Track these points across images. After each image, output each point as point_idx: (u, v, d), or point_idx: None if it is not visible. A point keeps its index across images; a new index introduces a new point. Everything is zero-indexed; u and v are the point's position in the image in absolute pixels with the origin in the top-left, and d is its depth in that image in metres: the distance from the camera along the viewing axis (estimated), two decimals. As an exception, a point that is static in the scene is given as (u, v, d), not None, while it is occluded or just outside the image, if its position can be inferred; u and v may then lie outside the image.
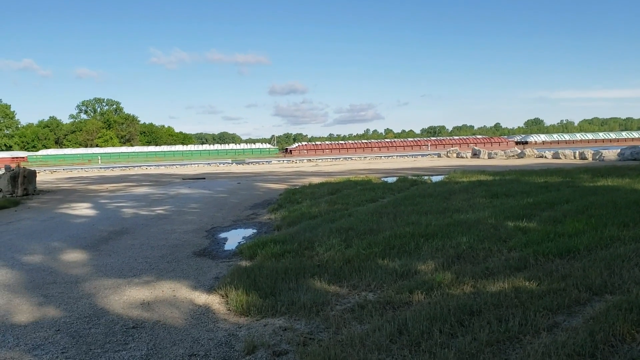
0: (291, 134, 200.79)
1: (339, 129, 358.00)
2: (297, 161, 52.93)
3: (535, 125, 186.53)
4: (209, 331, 4.73)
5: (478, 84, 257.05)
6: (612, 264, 5.81)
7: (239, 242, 8.81)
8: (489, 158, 41.47)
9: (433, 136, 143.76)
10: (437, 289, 5.19)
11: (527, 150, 42.33)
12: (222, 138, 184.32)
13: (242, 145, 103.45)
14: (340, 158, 59.44)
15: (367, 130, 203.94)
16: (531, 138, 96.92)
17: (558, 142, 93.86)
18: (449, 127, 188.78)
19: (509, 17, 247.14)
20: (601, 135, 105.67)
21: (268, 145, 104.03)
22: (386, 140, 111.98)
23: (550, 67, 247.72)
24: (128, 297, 5.94)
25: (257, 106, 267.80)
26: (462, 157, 45.17)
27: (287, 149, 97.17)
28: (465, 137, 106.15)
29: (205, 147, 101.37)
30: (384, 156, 61.76)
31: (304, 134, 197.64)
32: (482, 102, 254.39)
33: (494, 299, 4.75)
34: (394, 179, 20.86)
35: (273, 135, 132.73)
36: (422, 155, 57.43)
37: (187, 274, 6.91)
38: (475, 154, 44.61)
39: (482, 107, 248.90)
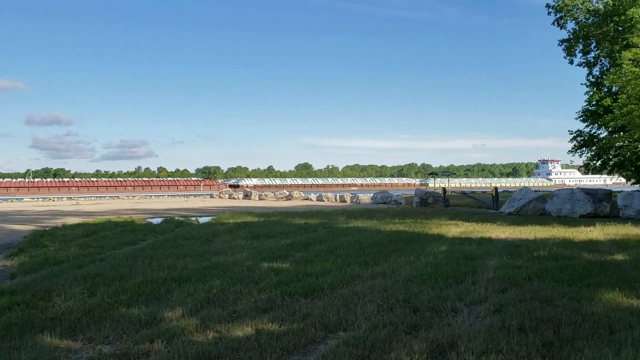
0: (51, 168, 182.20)
1: (108, 165, 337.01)
2: (55, 199, 47.91)
3: (304, 169, 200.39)
4: None
5: (253, 128, 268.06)
6: (349, 301, 6.30)
7: (-44, 295, 7.39)
8: (259, 199, 42.83)
9: (208, 177, 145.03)
10: (180, 337, 4.98)
11: (295, 193, 44.92)
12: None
13: None
14: (106, 197, 55.67)
15: (139, 167, 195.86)
16: (242, 182, 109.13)
17: (269, 185, 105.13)
18: (224, 168, 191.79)
19: (281, 67, 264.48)
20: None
21: None
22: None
23: (318, 118, 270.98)
24: None
25: (10, 136, 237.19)
26: (234, 198, 45.90)
27: None
28: (182, 179, 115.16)
29: None
30: (155, 195, 59.70)
31: (67, 169, 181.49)
32: (257, 145, 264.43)
33: (234, 343, 4.72)
34: (161, 219, 20.12)
35: (29, 170, 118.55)
36: (195, 196, 56.88)
37: None
38: (247, 195, 45.75)
39: (257, 150, 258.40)
